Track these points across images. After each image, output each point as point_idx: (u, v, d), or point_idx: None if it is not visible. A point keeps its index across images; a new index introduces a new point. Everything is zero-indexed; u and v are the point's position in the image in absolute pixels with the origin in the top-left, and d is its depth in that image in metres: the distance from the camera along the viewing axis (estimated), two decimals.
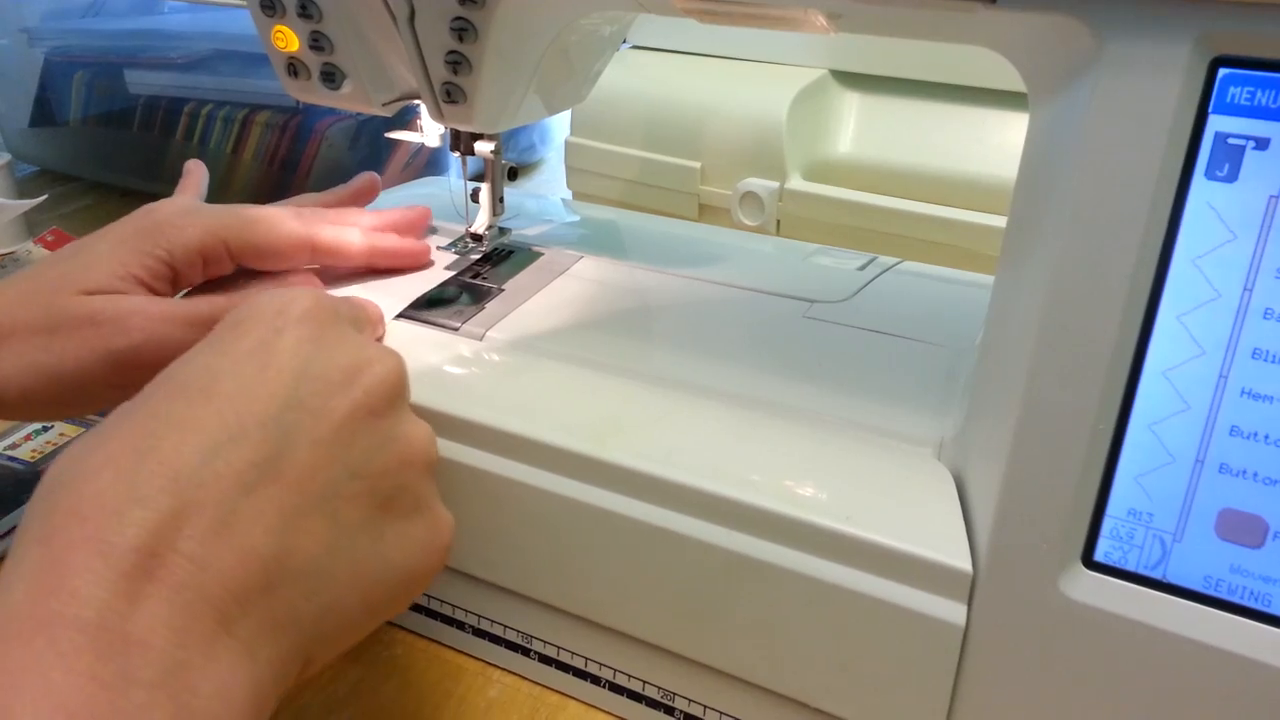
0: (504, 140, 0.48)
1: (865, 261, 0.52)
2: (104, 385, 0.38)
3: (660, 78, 0.74)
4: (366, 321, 0.39)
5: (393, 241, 0.47)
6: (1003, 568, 0.31)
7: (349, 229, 0.46)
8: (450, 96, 0.41)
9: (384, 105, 0.44)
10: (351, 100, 0.44)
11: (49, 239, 0.77)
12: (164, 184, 0.90)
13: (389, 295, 0.46)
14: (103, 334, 0.37)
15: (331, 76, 0.43)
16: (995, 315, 0.34)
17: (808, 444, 0.37)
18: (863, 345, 0.43)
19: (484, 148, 0.46)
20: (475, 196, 0.49)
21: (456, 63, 0.40)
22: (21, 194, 0.82)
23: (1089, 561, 0.30)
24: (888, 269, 0.51)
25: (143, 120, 0.88)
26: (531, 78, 0.43)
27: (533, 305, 0.46)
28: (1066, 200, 0.28)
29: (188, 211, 0.42)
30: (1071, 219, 0.28)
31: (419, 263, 0.48)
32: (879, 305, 0.47)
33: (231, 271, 0.44)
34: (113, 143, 0.91)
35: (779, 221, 0.70)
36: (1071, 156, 0.28)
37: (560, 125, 1.00)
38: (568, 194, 0.82)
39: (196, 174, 0.49)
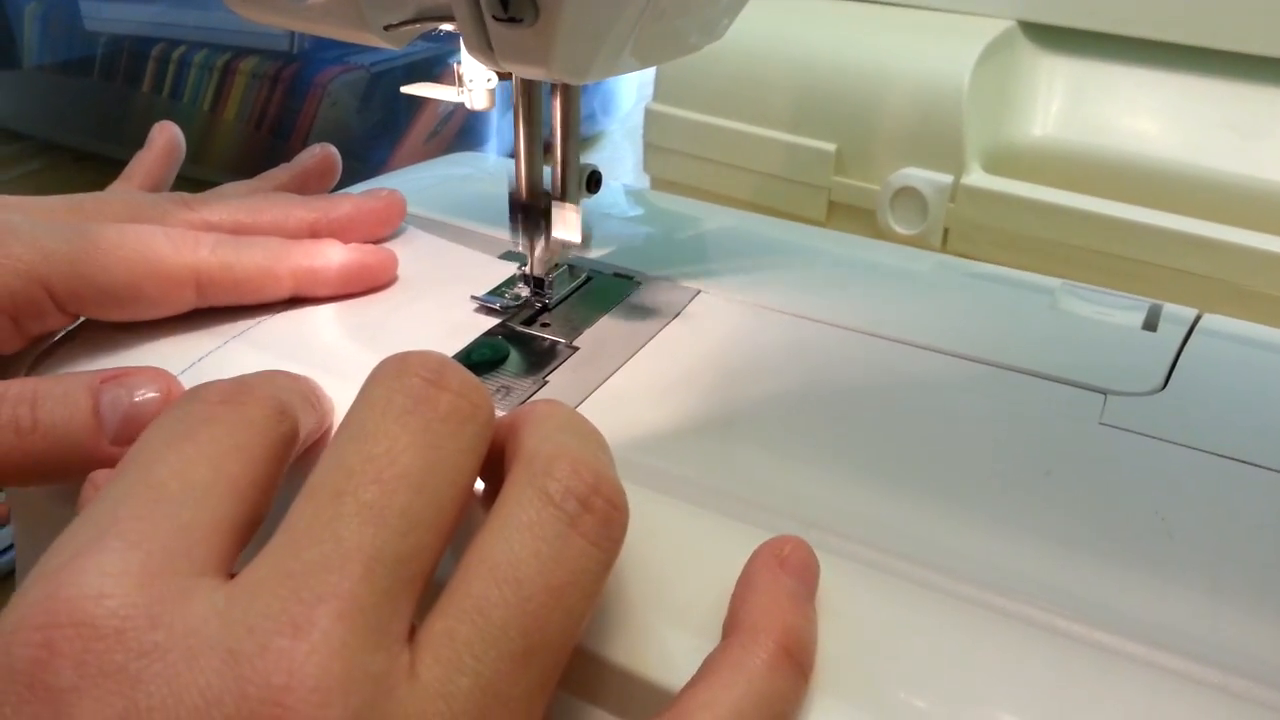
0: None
1: (1142, 311, 0.33)
2: None
3: (785, 25, 0.55)
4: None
5: (336, 256, 0.30)
6: None
7: (261, 244, 0.29)
8: (509, 10, 0.21)
9: (386, 30, 0.25)
10: (331, 18, 0.25)
11: None
12: (127, 147, 0.72)
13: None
14: None
15: None
16: None
17: None
18: (1226, 493, 0.24)
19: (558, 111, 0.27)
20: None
21: None
22: None
23: None
24: (1191, 329, 0.32)
25: (104, 67, 0.70)
26: None
27: (632, 379, 0.27)
28: None
29: None
30: None
31: (378, 281, 0.31)
32: (1213, 403, 0.28)
33: (66, 326, 0.29)
34: (69, 93, 0.73)
35: (947, 230, 0.50)
36: None
37: (628, 88, 0.80)
38: (642, 180, 0.62)
39: (160, 146, 0.36)
